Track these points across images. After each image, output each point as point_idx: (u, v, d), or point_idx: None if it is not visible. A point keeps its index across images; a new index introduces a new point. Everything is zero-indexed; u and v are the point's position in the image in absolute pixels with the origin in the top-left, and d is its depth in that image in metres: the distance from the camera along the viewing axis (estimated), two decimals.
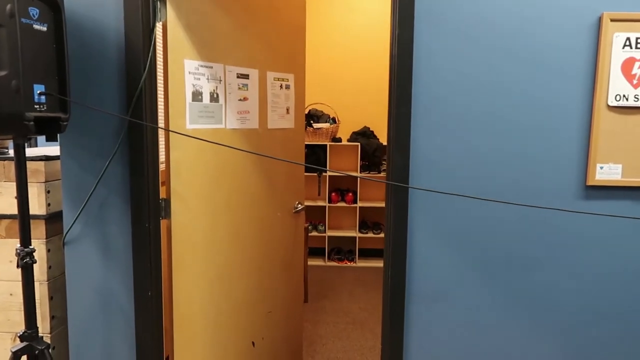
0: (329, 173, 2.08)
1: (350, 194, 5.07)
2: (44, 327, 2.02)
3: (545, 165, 1.80)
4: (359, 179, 5.05)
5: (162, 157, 2.48)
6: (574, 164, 1.79)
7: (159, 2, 1.89)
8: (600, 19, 1.72)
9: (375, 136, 5.10)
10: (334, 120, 5.05)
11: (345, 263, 5.14)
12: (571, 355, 1.89)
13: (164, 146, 2.03)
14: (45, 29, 1.52)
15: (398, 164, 1.80)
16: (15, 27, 1.39)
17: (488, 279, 1.87)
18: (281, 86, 2.50)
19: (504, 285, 1.87)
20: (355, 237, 5.17)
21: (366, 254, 5.34)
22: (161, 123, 2.38)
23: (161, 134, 2.57)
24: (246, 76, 2.28)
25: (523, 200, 1.81)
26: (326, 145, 5.01)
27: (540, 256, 1.85)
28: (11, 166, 1.97)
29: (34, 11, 1.47)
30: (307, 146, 5.05)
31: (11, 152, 2.07)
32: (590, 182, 1.77)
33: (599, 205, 1.80)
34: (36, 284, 1.99)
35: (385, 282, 1.93)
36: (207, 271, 2.15)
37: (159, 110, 2.05)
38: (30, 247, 1.59)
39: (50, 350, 1.64)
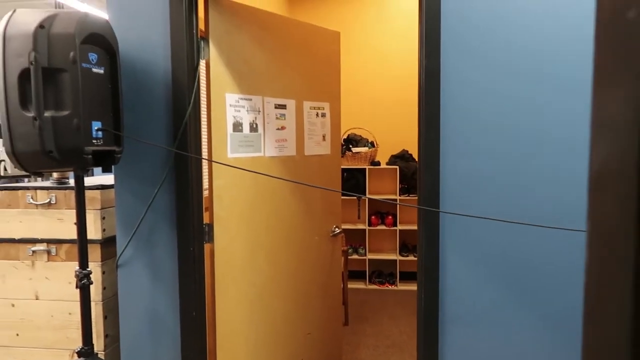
0: (366, 197, 2.15)
1: (390, 217, 5.09)
2: (98, 344, 2.17)
3: (579, 187, 1.81)
4: (398, 201, 5.07)
5: (205, 184, 2.63)
6: None
7: (202, 42, 2.05)
8: None
9: (414, 159, 5.13)
10: (372, 144, 5.12)
11: (387, 286, 5.14)
12: None
13: (207, 174, 2.17)
14: (102, 71, 1.70)
15: (428, 187, 1.86)
16: (77, 71, 1.56)
17: (522, 301, 1.87)
18: (317, 114, 2.62)
19: (539, 307, 1.87)
20: (396, 260, 5.17)
21: (407, 277, 5.31)
22: (205, 153, 2.53)
23: (205, 163, 2.73)
24: (283, 106, 2.41)
25: (557, 222, 1.82)
26: (365, 169, 5.08)
27: (575, 278, 1.84)
28: (71, 195, 2.15)
29: (93, 56, 1.65)
30: (346, 170, 5.14)
31: (71, 182, 2.27)
32: None
33: None
34: (92, 304, 2.15)
35: (419, 304, 1.97)
36: (248, 292, 2.25)
37: (203, 141, 2.19)
38: (88, 269, 1.74)
39: None
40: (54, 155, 1.54)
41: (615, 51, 0.29)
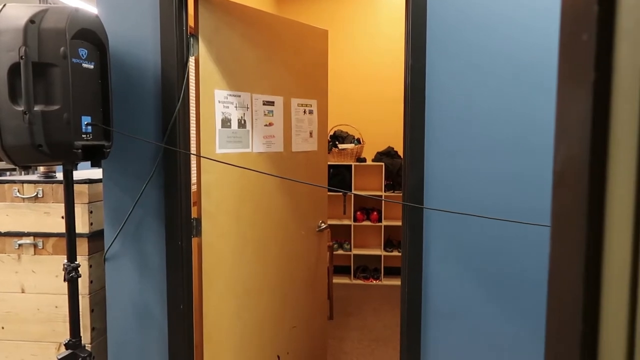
0: (352, 192, 2.20)
1: (375, 213, 5.15)
2: (85, 337, 2.18)
3: None
4: (383, 198, 5.13)
5: (193, 179, 2.64)
6: None
7: (192, 38, 2.07)
8: None
9: (399, 156, 5.20)
10: (358, 141, 5.17)
11: (371, 281, 5.21)
12: None
13: (195, 169, 2.19)
14: (92, 66, 1.71)
15: (413, 185, 1.91)
16: (67, 66, 1.57)
17: (503, 296, 1.94)
18: (305, 111, 2.65)
19: (519, 302, 1.93)
20: (381, 256, 5.24)
21: (392, 272, 5.39)
22: (193, 148, 2.55)
23: (193, 158, 2.75)
24: (272, 103, 2.43)
25: (536, 219, 1.88)
26: (351, 165, 5.13)
27: None
28: (59, 189, 2.16)
29: (83, 52, 1.66)
30: (332, 166, 5.19)
31: (58, 176, 2.27)
32: None
33: None
34: (79, 297, 2.16)
35: (402, 299, 2.02)
36: (235, 286, 2.28)
37: (191, 137, 2.22)
38: (76, 262, 1.76)
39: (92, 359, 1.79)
40: (43, 149, 1.55)
41: (573, 66, 0.33)
